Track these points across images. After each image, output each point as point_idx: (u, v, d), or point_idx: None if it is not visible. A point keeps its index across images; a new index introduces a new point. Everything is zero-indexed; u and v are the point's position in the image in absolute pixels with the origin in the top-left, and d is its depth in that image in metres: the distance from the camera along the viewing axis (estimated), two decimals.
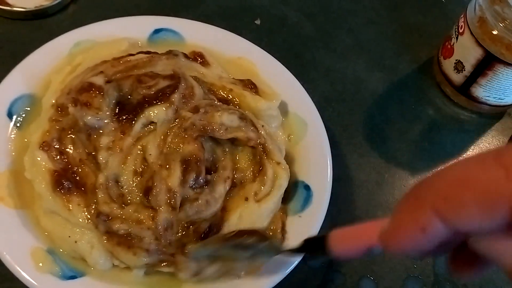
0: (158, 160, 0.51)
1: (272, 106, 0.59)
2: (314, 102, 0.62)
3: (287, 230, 0.55)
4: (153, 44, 0.64)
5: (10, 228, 0.51)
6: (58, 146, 0.51)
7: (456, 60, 0.68)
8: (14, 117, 0.57)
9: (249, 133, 0.54)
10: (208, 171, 0.52)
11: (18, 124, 0.57)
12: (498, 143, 0.72)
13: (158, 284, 0.51)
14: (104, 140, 0.53)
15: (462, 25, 0.66)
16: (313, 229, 0.54)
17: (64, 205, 0.49)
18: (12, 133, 0.56)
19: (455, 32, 0.69)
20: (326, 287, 0.58)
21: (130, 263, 0.49)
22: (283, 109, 0.61)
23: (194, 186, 0.51)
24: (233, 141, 0.55)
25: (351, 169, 0.66)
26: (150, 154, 0.52)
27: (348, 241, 0.34)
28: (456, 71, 0.69)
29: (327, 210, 0.55)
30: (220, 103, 0.57)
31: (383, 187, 0.65)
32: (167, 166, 0.50)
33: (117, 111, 0.54)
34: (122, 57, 0.58)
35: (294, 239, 0.53)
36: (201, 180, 0.51)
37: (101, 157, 0.52)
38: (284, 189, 0.55)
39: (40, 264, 0.49)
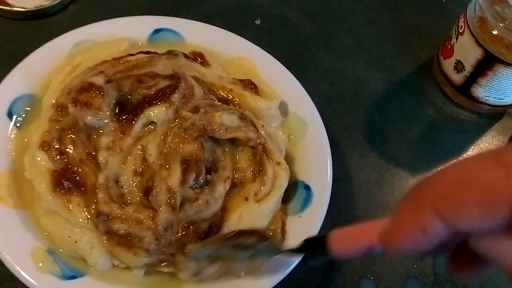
0: (158, 160, 0.51)
1: (272, 106, 0.59)
2: (314, 102, 0.62)
3: (287, 230, 0.55)
4: (153, 44, 0.64)
5: (10, 228, 0.51)
6: (58, 146, 0.51)
7: (456, 60, 0.68)
8: (14, 117, 0.57)
9: (249, 133, 0.54)
10: (208, 171, 0.52)
11: (18, 124, 0.57)
12: (498, 143, 0.72)
13: (158, 284, 0.51)
14: (104, 140, 0.53)
15: (462, 25, 0.66)
16: (313, 229, 0.54)
17: (64, 205, 0.49)
18: (12, 133, 0.56)
19: (455, 32, 0.69)
20: (326, 287, 0.58)
21: (130, 263, 0.49)
22: (283, 109, 0.61)
23: (194, 186, 0.51)
24: (233, 141, 0.55)
25: (351, 169, 0.66)
26: (150, 154, 0.52)
27: (348, 241, 0.34)
28: (456, 71, 0.69)
29: (327, 210, 0.55)
30: (220, 103, 0.57)
31: (383, 187, 0.65)
32: (167, 166, 0.50)
33: (117, 111, 0.54)
34: (122, 57, 0.58)
35: (294, 239, 0.53)
36: (201, 180, 0.51)
37: (101, 157, 0.52)
38: (284, 189, 0.55)
39: (40, 264, 0.49)
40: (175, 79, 0.55)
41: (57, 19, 0.72)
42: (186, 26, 0.66)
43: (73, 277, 0.50)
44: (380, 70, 0.75)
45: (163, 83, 0.55)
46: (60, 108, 0.53)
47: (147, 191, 0.50)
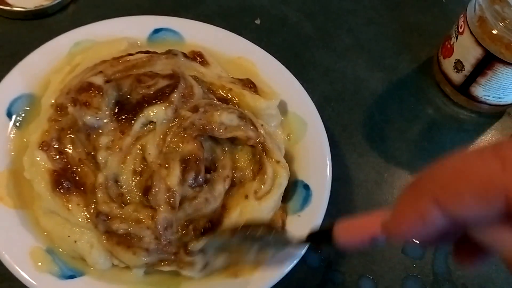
0: (158, 160, 0.51)
1: (271, 105, 0.59)
2: (313, 101, 0.62)
3: (286, 229, 0.55)
4: (153, 44, 0.64)
5: (9, 227, 0.51)
6: (57, 146, 0.51)
7: (455, 59, 0.68)
8: (14, 116, 0.57)
9: (248, 132, 0.54)
10: (208, 170, 0.52)
11: (17, 124, 0.57)
12: None
13: (158, 283, 0.51)
14: (104, 140, 0.53)
15: (462, 25, 0.66)
16: None
17: (63, 205, 0.50)
18: (12, 132, 0.56)
19: (455, 31, 0.69)
20: (325, 286, 0.58)
21: (130, 262, 0.49)
22: (283, 108, 0.62)
23: (193, 185, 0.51)
24: (233, 140, 0.55)
25: (350, 169, 0.66)
26: (150, 154, 0.52)
27: (353, 231, 0.35)
28: (455, 70, 0.69)
29: (326, 210, 0.55)
30: (220, 102, 0.57)
31: (383, 186, 0.65)
32: (167, 166, 0.50)
33: (116, 111, 0.54)
34: (122, 56, 0.58)
35: None
36: (201, 179, 0.51)
37: (101, 157, 0.52)
38: (284, 187, 0.55)
39: (39, 264, 0.49)
40: (174, 78, 0.55)
41: (56, 19, 0.72)
42: (186, 26, 0.66)
43: (72, 277, 0.50)
44: (380, 69, 0.75)
45: (162, 83, 0.55)
46: (60, 108, 0.53)
47: (146, 190, 0.50)
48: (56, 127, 0.52)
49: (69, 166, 0.51)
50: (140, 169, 0.52)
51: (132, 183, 0.51)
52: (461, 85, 0.70)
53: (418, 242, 0.31)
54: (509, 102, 0.70)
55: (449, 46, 0.70)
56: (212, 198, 0.51)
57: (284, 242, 0.45)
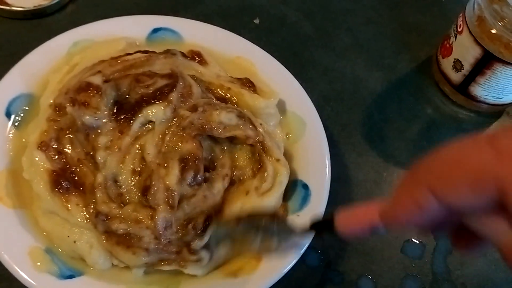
0: (156, 159, 0.51)
1: (270, 104, 0.59)
2: (312, 101, 0.62)
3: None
4: (152, 43, 0.64)
5: (8, 227, 0.51)
6: (56, 146, 0.51)
7: (454, 59, 0.68)
8: (12, 116, 0.57)
9: (247, 131, 0.54)
10: (207, 169, 0.52)
11: (16, 124, 0.57)
12: None
13: (157, 283, 0.51)
14: (102, 140, 0.53)
15: (461, 24, 0.66)
16: None
17: (62, 205, 0.49)
18: (10, 132, 0.56)
19: (454, 31, 0.69)
20: (324, 286, 0.58)
21: (130, 262, 0.49)
22: (282, 107, 0.61)
23: (192, 184, 0.50)
24: (232, 140, 0.55)
25: (349, 168, 0.66)
26: (148, 153, 0.52)
27: (353, 219, 0.36)
28: (454, 70, 0.69)
29: (326, 209, 0.55)
30: (218, 101, 0.57)
31: (382, 186, 0.65)
32: (165, 165, 0.50)
33: (115, 111, 0.54)
34: (120, 56, 0.58)
35: None
36: (199, 178, 0.51)
37: (100, 157, 0.52)
38: (285, 185, 0.55)
39: (38, 264, 0.49)
40: (173, 78, 0.55)
41: (55, 19, 0.72)
42: (185, 26, 0.66)
43: (71, 277, 0.50)
44: (379, 69, 0.75)
45: (161, 82, 0.55)
46: (58, 108, 0.53)
47: (145, 190, 0.50)
48: (55, 127, 0.52)
49: (68, 166, 0.51)
50: (139, 168, 0.52)
51: (131, 183, 0.51)
52: (460, 84, 0.70)
53: (414, 230, 0.32)
54: (508, 102, 0.70)
55: (448, 45, 0.70)
56: (210, 195, 0.51)
57: (288, 230, 0.45)
